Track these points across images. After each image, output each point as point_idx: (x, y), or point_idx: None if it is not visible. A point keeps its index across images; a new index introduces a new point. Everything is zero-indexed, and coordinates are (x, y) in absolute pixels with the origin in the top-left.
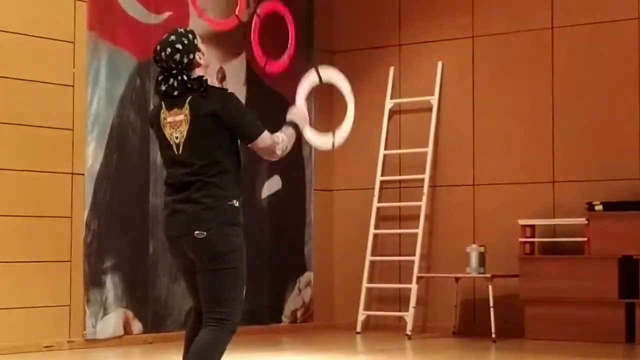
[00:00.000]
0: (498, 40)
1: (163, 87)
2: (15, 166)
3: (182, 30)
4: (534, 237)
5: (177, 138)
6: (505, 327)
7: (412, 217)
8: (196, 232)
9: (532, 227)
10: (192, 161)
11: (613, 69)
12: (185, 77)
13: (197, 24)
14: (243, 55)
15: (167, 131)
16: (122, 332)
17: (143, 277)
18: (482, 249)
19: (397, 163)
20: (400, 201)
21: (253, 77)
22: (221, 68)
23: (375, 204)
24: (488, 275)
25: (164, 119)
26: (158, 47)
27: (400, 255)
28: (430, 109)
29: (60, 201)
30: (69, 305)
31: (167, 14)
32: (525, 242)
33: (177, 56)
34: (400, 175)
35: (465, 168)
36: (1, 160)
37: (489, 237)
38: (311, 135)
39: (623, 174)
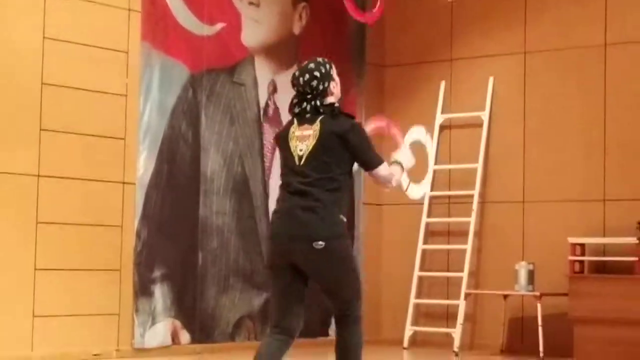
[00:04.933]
0: (550, 56)
1: (297, 110)
2: (68, 174)
3: (320, 59)
4: (584, 255)
5: (301, 150)
6: (553, 346)
7: (461, 233)
8: (315, 243)
9: (582, 245)
10: (311, 173)
11: None
12: (318, 103)
13: (249, 35)
14: (294, 68)
15: (293, 143)
16: (170, 342)
17: (192, 288)
18: (531, 267)
19: (447, 178)
20: (449, 217)
21: None
22: (273, 80)
23: (425, 219)
24: (537, 293)
25: (293, 132)
26: (297, 73)
27: (448, 271)
28: (480, 125)
29: (111, 210)
30: (118, 314)
31: (219, 26)
32: (574, 261)
33: (314, 83)
34: (449, 190)
35: (515, 184)
36: (54, 168)
37: (538, 255)
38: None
39: None
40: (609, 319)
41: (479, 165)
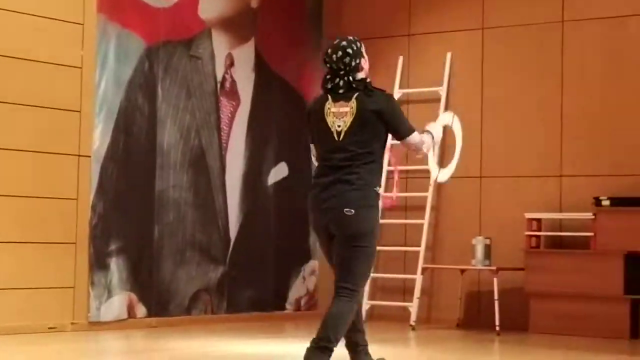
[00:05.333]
0: (508, 33)
1: (329, 85)
2: (22, 147)
3: (351, 37)
4: (540, 230)
5: (339, 126)
6: (509, 320)
7: (418, 208)
8: (346, 209)
9: (539, 220)
10: (350, 148)
11: (623, 64)
12: (350, 78)
13: (206, 8)
14: (252, 41)
15: (330, 119)
16: (125, 316)
17: (148, 261)
18: (487, 241)
19: (404, 153)
20: (406, 192)
21: (261, 63)
22: (230, 54)
23: (381, 194)
24: (493, 267)
25: (329, 108)
26: (329, 50)
27: (405, 245)
28: (438, 100)
29: (66, 183)
30: (74, 288)
31: None
32: (531, 236)
33: (347, 59)
34: (407, 165)
35: (472, 160)
36: (8, 140)
37: (495, 230)
38: (431, 157)
39: (631, 169)
40: (564, 293)
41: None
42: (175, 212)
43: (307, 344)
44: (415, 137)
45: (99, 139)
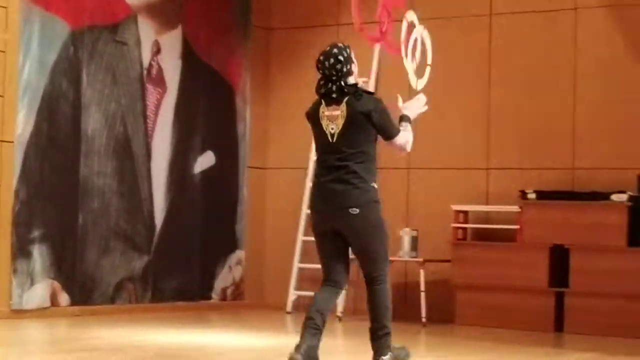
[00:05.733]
0: (437, 25)
1: (323, 90)
2: None
3: (341, 44)
4: (467, 223)
5: (332, 129)
6: (435, 311)
7: None
8: (350, 209)
9: (465, 213)
10: (344, 149)
11: (549, 59)
12: (342, 83)
13: None
14: (179, 28)
15: (324, 123)
16: (48, 304)
17: (71, 249)
18: (414, 233)
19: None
20: None
21: (188, 51)
22: (156, 41)
23: (309, 184)
24: (420, 259)
25: (322, 112)
26: (322, 57)
27: None
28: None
29: None
30: None
31: None
32: (457, 228)
33: (339, 66)
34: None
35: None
36: None
37: (422, 222)
38: (409, 66)
39: (557, 163)
40: (490, 285)
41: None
42: (99, 199)
43: (232, 335)
44: (401, 137)
45: (22, 124)
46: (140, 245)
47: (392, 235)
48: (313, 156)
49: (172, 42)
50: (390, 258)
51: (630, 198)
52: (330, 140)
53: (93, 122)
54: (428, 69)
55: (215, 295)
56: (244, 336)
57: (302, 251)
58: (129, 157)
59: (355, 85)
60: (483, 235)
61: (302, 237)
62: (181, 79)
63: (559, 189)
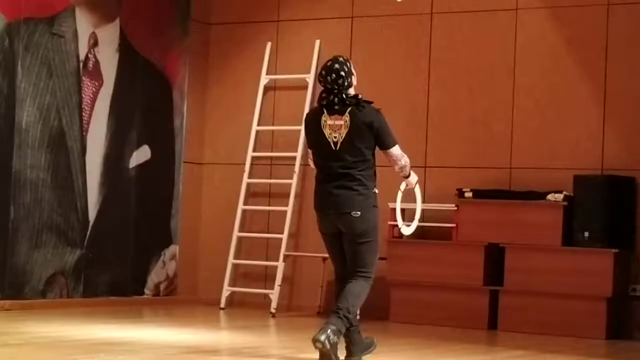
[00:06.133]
0: (377, 23)
1: (325, 102)
2: None
3: (341, 59)
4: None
5: (335, 138)
6: (370, 309)
7: (282, 195)
8: (353, 212)
9: (402, 210)
10: (346, 157)
11: (488, 58)
12: (344, 96)
13: None
14: (117, 22)
15: (327, 131)
16: None
17: (3, 242)
18: None
19: (270, 140)
20: (270, 178)
21: (125, 44)
22: (94, 33)
23: (245, 180)
24: None
25: (325, 121)
26: (324, 72)
27: (268, 232)
28: (305, 87)
29: None
30: None
31: None
32: (394, 226)
33: (340, 80)
34: (272, 152)
35: None
36: None
37: None
38: (399, 214)
39: (494, 162)
40: (425, 283)
41: (303, 128)
42: (32, 193)
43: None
44: (397, 149)
45: None
46: (73, 239)
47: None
48: (250, 152)
49: (109, 35)
50: (324, 255)
51: (566, 198)
52: (334, 148)
53: (27, 115)
54: (417, 218)
55: (148, 290)
56: (176, 331)
57: (237, 247)
58: (64, 150)
59: (356, 96)
60: (419, 234)
61: (237, 233)
62: (118, 72)
63: (495, 188)
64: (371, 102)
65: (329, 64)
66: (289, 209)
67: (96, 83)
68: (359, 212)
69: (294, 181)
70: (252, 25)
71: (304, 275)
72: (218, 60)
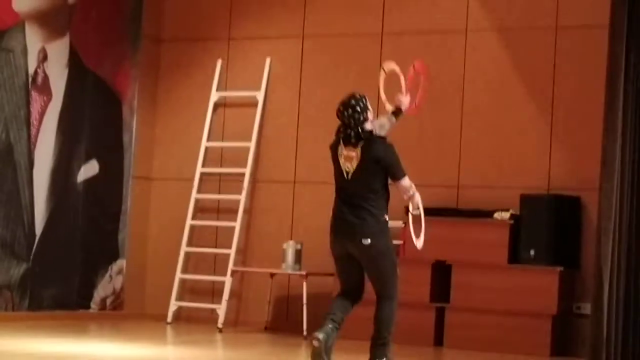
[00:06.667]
0: (327, 42)
1: (342, 135)
2: None
3: (358, 95)
4: None
5: (348, 168)
6: (317, 324)
7: (230, 211)
8: (363, 240)
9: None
10: (356, 187)
11: (438, 78)
12: (359, 130)
13: (20, 1)
14: (67, 37)
15: (342, 161)
16: None
17: None
18: (298, 246)
19: (219, 156)
20: (219, 193)
21: (75, 59)
22: (43, 48)
23: (194, 195)
24: (303, 272)
25: (341, 151)
26: (341, 107)
27: (216, 247)
28: (255, 105)
29: None
30: None
31: None
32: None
33: (356, 115)
34: (221, 167)
35: (286, 165)
36: None
37: (306, 235)
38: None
39: (441, 180)
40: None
41: (252, 144)
42: None
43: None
44: (406, 180)
45: None
46: (19, 253)
47: (277, 248)
48: (200, 168)
49: (59, 50)
50: (272, 271)
51: (512, 216)
52: (346, 177)
53: None
54: (423, 231)
55: (94, 305)
56: (122, 346)
57: (185, 262)
58: (11, 164)
59: (371, 132)
60: None
61: (185, 247)
62: (67, 87)
63: (443, 206)
64: (384, 138)
65: (346, 99)
66: (237, 224)
67: (45, 98)
68: (369, 240)
69: (242, 197)
70: (203, 42)
71: (252, 290)
72: (168, 76)
